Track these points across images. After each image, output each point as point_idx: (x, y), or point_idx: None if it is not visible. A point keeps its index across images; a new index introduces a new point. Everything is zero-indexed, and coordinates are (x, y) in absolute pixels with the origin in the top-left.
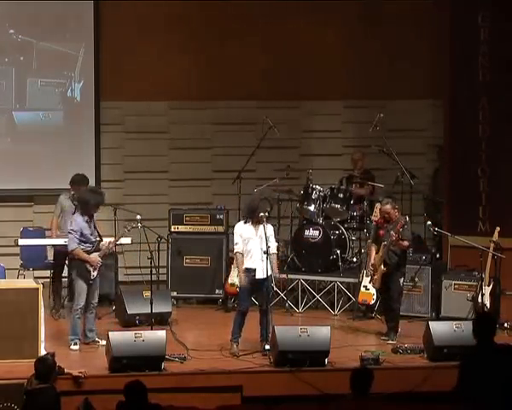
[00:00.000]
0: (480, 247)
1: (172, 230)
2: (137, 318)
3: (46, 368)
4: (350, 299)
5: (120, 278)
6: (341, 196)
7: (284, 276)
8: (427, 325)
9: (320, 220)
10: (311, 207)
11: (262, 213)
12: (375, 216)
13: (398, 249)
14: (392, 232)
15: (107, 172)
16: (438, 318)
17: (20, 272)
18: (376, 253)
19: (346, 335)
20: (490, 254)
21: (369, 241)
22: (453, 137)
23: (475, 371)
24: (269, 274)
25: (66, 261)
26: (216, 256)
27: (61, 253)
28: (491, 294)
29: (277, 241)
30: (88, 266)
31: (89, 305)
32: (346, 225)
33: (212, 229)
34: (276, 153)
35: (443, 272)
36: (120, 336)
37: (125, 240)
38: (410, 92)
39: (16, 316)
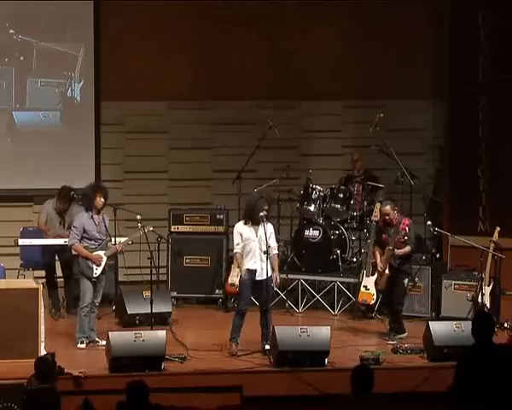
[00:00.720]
0: (480, 247)
1: (172, 230)
2: (137, 318)
3: (46, 368)
4: (350, 299)
5: (120, 278)
6: (341, 196)
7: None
8: (427, 325)
9: (320, 220)
10: (311, 207)
11: (262, 213)
12: (375, 216)
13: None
14: (397, 236)
15: (107, 172)
16: (438, 318)
17: (20, 272)
18: (381, 256)
19: (346, 335)
20: (490, 254)
21: (369, 241)
22: (453, 137)
23: (472, 371)
24: (269, 275)
25: (57, 257)
26: (216, 256)
27: (49, 253)
28: (491, 294)
29: (277, 241)
30: (90, 262)
31: (91, 304)
32: (346, 225)
33: (212, 229)
34: (276, 153)
35: (443, 272)
36: (120, 336)
37: (125, 240)
38: (410, 92)
39: (16, 316)
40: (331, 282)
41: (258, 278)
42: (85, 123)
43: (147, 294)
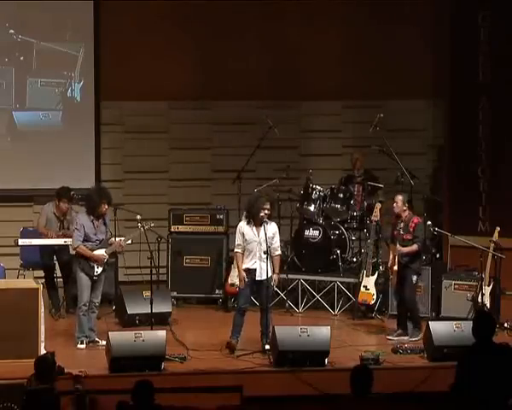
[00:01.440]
0: (480, 247)
1: (172, 230)
2: (137, 318)
3: (46, 367)
4: (350, 299)
5: (120, 278)
6: (341, 196)
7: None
8: (427, 325)
9: (320, 220)
10: (311, 207)
11: (262, 213)
12: (375, 216)
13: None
14: (401, 236)
15: (107, 172)
16: (438, 318)
17: (20, 272)
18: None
19: (346, 335)
20: (490, 254)
21: (369, 241)
22: (453, 137)
23: (473, 370)
24: (269, 275)
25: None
26: (216, 256)
27: (47, 253)
28: (491, 294)
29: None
30: (91, 262)
31: (90, 304)
32: (346, 225)
33: (212, 229)
34: (276, 153)
35: (443, 272)
36: (120, 336)
37: (126, 238)
38: (410, 92)
39: (16, 316)
40: (331, 282)
41: (257, 278)
42: (85, 123)
43: (147, 294)
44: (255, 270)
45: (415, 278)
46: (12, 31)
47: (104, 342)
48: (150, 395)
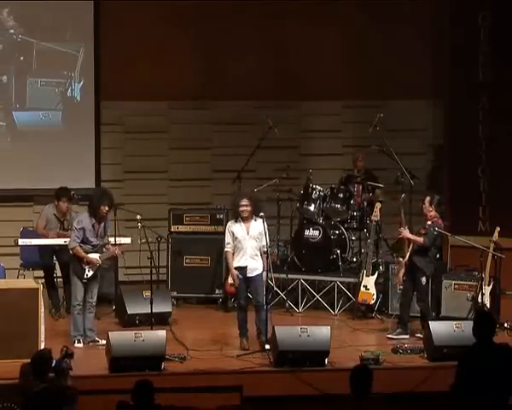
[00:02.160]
0: (480, 247)
1: (172, 230)
2: (137, 318)
3: (43, 364)
4: (350, 299)
5: (120, 278)
6: (341, 196)
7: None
8: (428, 324)
9: (320, 220)
10: (311, 207)
11: (240, 209)
12: (375, 216)
13: (416, 245)
14: (445, 233)
15: (107, 172)
16: (438, 318)
17: (20, 272)
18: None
19: (346, 335)
20: (490, 254)
21: (369, 241)
22: (453, 137)
23: (473, 370)
24: (261, 271)
25: (55, 258)
26: (216, 256)
27: (47, 253)
28: (491, 294)
29: (278, 241)
30: (83, 265)
31: (86, 304)
32: (346, 225)
33: (212, 229)
34: (276, 153)
35: (443, 272)
36: (120, 336)
37: (125, 240)
38: (410, 92)
39: (16, 316)
40: (331, 282)
41: (249, 275)
42: (85, 123)
43: (147, 294)
44: (246, 267)
45: (424, 279)
46: (12, 31)
47: (104, 342)
48: (150, 395)
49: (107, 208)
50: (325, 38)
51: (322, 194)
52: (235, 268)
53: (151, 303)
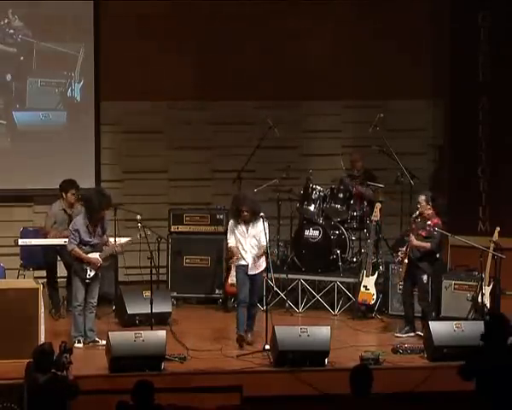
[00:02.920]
0: (480, 247)
1: (172, 230)
2: (137, 318)
3: (44, 357)
4: (350, 299)
5: (120, 278)
6: (341, 196)
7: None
8: (427, 324)
9: (320, 220)
10: (311, 207)
11: (243, 215)
12: (375, 216)
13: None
14: (418, 232)
15: (107, 172)
16: (438, 318)
17: (20, 272)
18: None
19: (346, 335)
20: (490, 254)
21: (369, 241)
22: (453, 137)
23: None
24: (260, 270)
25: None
26: (216, 256)
27: (50, 252)
28: (491, 294)
29: (278, 241)
30: (84, 265)
31: (87, 304)
32: (346, 225)
33: (212, 229)
34: (276, 153)
35: (443, 272)
36: (120, 336)
37: (126, 240)
38: (410, 92)
39: (16, 316)
40: (331, 282)
41: (250, 273)
42: (85, 123)
43: (147, 294)
44: (247, 266)
45: (425, 277)
46: (12, 31)
47: (104, 342)
48: (150, 395)
49: (105, 212)
50: (325, 37)
51: (322, 194)
52: (237, 266)
53: (151, 303)
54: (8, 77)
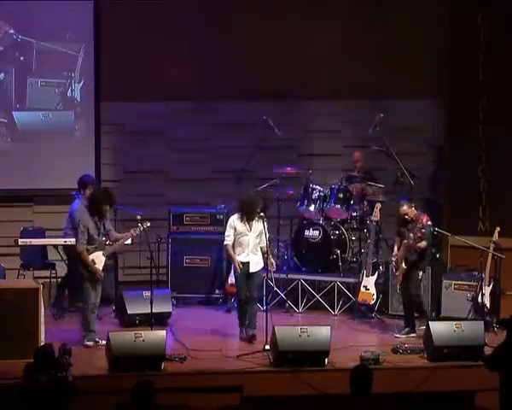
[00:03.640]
0: (480, 247)
1: (172, 230)
2: (137, 318)
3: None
4: (350, 299)
5: (120, 278)
6: (341, 196)
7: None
8: (427, 325)
9: (320, 220)
10: (311, 208)
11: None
12: (375, 216)
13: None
14: (411, 234)
15: (107, 172)
16: (438, 318)
17: (20, 272)
18: (398, 249)
19: (346, 335)
20: (490, 254)
21: (369, 241)
22: (453, 137)
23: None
24: (260, 267)
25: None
26: (216, 256)
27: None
28: (491, 294)
29: (277, 241)
30: (90, 264)
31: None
32: (346, 225)
33: (212, 229)
34: (276, 153)
35: (443, 272)
36: (120, 336)
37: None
38: (410, 92)
39: (16, 316)
40: (331, 282)
41: (251, 270)
42: (85, 123)
43: (147, 294)
44: (248, 263)
45: (421, 273)
46: (12, 31)
47: (104, 342)
48: (150, 396)
49: (108, 207)
50: (325, 37)
51: (322, 194)
52: (237, 265)
53: (151, 303)
54: (4, 78)
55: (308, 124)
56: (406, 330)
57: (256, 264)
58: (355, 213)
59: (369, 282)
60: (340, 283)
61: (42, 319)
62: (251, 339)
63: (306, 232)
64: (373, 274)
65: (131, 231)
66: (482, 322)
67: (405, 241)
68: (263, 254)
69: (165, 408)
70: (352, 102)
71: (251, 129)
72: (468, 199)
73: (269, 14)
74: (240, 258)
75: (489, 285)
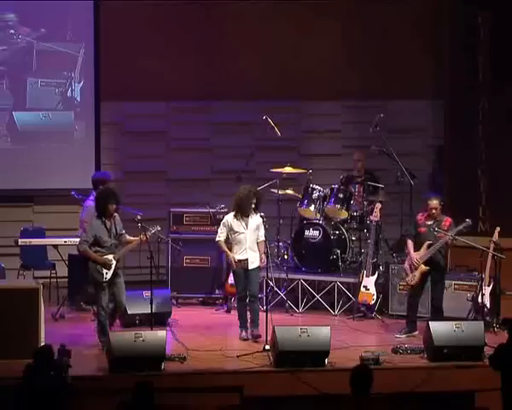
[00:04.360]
0: (480, 247)
1: (172, 230)
2: (137, 318)
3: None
4: (350, 299)
5: None
6: (341, 196)
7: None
8: (427, 325)
9: (320, 220)
10: (311, 208)
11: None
12: (375, 216)
13: (443, 249)
14: (444, 233)
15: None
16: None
17: (20, 272)
18: (415, 250)
19: (346, 335)
20: (490, 254)
21: (369, 241)
22: (453, 137)
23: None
24: (258, 264)
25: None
26: (216, 256)
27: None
28: (491, 294)
29: (277, 241)
30: (99, 267)
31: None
32: (346, 225)
33: (212, 229)
34: (276, 153)
35: None
36: (120, 336)
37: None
38: (410, 92)
39: (16, 316)
40: (331, 282)
41: (250, 267)
42: (85, 123)
43: (147, 294)
44: (246, 260)
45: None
46: (12, 31)
47: None
48: (150, 396)
49: (114, 206)
50: (325, 37)
51: (322, 194)
52: (235, 262)
53: (151, 303)
54: (9, 77)
55: (308, 124)
56: (407, 330)
57: (253, 261)
58: (355, 213)
59: (369, 282)
60: (340, 283)
61: (42, 319)
62: (256, 339)
63: (306, 232)
64: (373, 274)
65: (141, 235)
66: (482, 322)
67: (430, 241)
68: (261, 249)
69: (165, 408)
70: (352, 102)
71: (251, 129)
72: (468, 199)
73: (269, 15)
74: (239, 256)
75: (489, 285)
